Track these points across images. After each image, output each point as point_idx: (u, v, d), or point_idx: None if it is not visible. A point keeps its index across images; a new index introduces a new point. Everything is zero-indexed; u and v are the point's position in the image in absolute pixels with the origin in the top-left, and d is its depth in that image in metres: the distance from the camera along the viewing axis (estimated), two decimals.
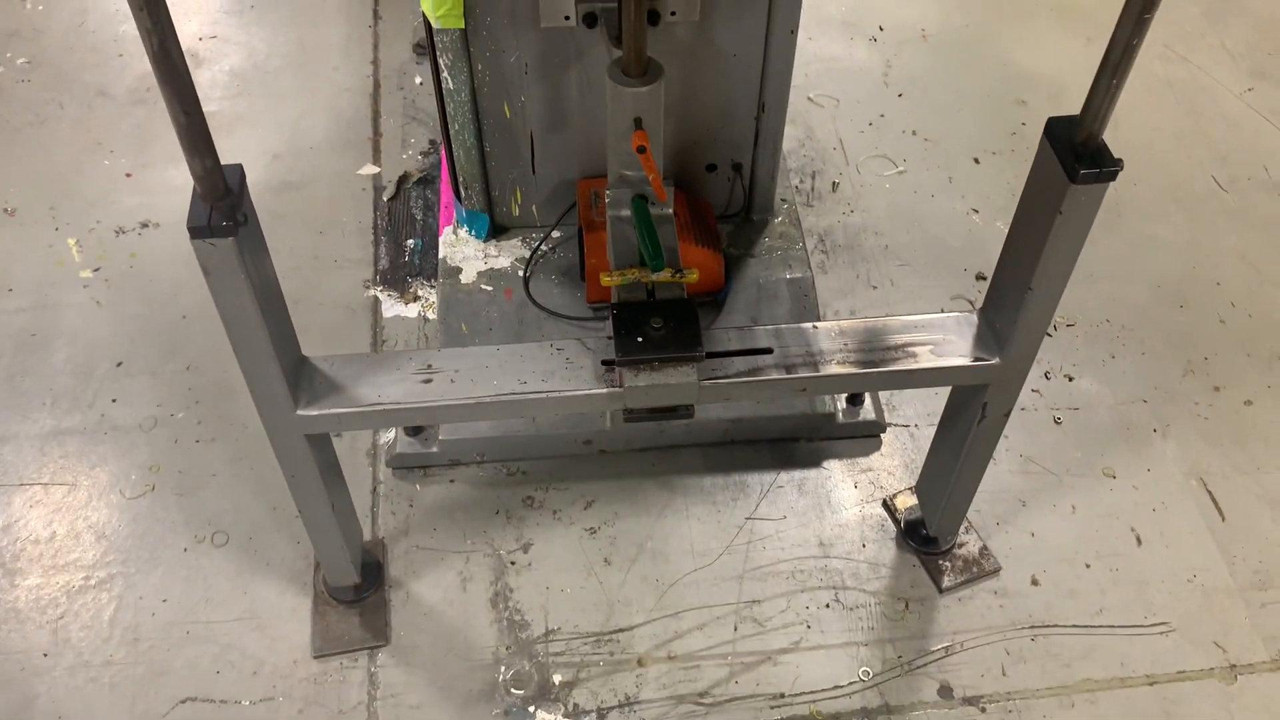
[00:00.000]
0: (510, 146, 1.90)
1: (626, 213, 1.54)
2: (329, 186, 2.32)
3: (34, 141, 2.40)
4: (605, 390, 1.36)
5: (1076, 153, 1.16)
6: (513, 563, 1.77)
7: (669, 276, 1.44)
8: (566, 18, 1.65)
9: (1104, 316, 2.13)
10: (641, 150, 1.43)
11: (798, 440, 1.92)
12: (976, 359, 1.39)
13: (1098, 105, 1.13)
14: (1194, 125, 2.52)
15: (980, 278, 2.19)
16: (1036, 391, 2.01)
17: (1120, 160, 1.15)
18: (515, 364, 1.39)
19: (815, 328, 1.42)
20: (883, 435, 1.94)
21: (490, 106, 1.82)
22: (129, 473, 1.86)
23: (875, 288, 2.18)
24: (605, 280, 1.46)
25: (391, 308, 2.11)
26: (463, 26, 1.68)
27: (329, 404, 1.33)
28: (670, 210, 1.56)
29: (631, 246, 1.51)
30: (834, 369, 1.39)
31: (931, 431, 1.69)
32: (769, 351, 1.40)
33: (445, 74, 1.75)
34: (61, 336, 2.05)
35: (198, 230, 1.09)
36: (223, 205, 1.10)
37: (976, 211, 2.32)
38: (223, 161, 1.09)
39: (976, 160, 2.42)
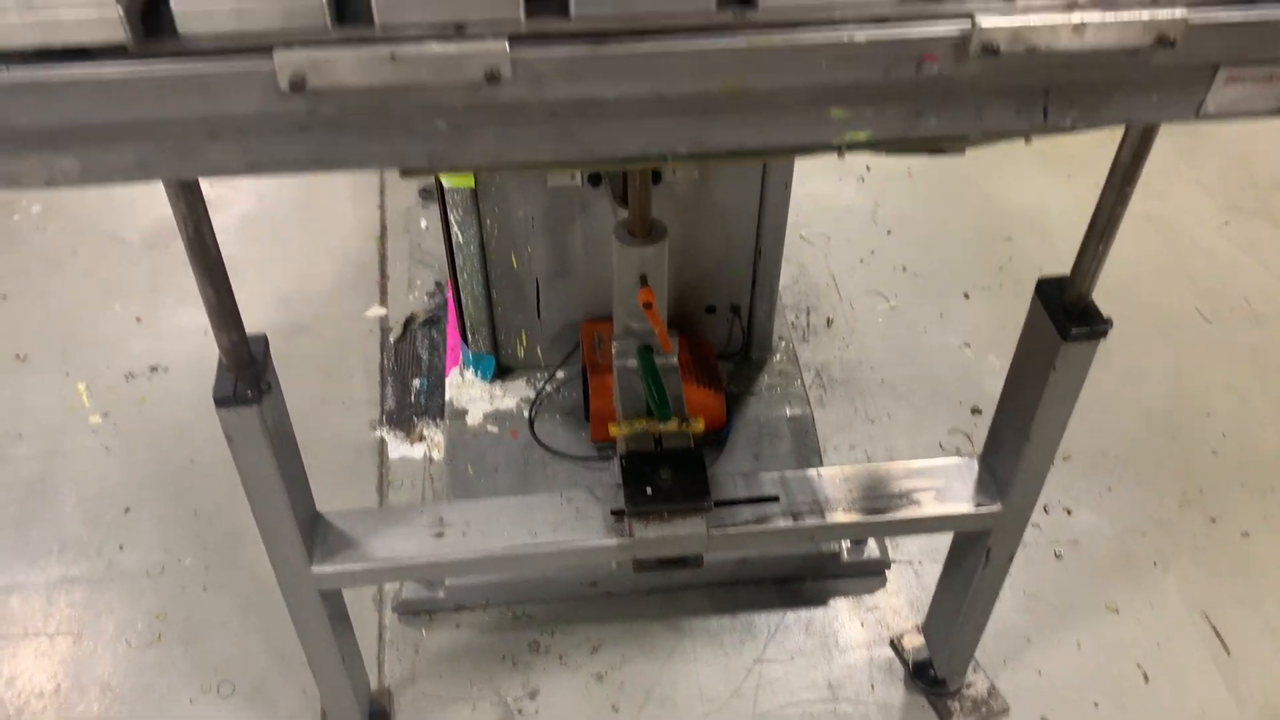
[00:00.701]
0: (516, 293, 1.96)
1: (633, 363, 1.59)
2: (337, 329, 2.37)
3: (47, 288, 2.46)
4: (615, 541, 1.38)
5: (1067, 311, 1.22)
6: (520, 711, 1.76)
7: (676, 426, 1.48)
8: (573, 177, 1.72)
9: (1099, 449, 2.17)
10: (648, 305, 1.48)
11: (803, 579, 1.93)
12: (979, 505, 1.42)
13: (1086, 267, 1.19)
14: (1175, 259, 2.61)
15: (975, 411, 2.23)
16: (1036, 526, 2.03)
17: (1109, 319, 1.20)
18: (526, 515, 1.41)
19: (819, 475, 1.45)
20: (887, 572, 1.95)
21: (498, 258, 1.89)
22: (135, 621, 1.86)
23: (873, 421, 2.22)
24: (614, 431, 1.49)
25: (397, 448, 2.14)
26: (473, 186, 1.75)
27: (343, 560, 1.35)
28: (675, 360, 1.60)
29: (638, 395, 1.55)
30: (840, 517, 1.41)
31: (935, 568, 1.70)
32: (775, 500, 1.42)
33: (455, 228, 1.82)
34: (70, 482, 2.07)
35: (224, 400, 1.13)
36: (247, 375, 1.14)
37: (969, 345, 2.37)
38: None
39: (966, 295, 2.49)
